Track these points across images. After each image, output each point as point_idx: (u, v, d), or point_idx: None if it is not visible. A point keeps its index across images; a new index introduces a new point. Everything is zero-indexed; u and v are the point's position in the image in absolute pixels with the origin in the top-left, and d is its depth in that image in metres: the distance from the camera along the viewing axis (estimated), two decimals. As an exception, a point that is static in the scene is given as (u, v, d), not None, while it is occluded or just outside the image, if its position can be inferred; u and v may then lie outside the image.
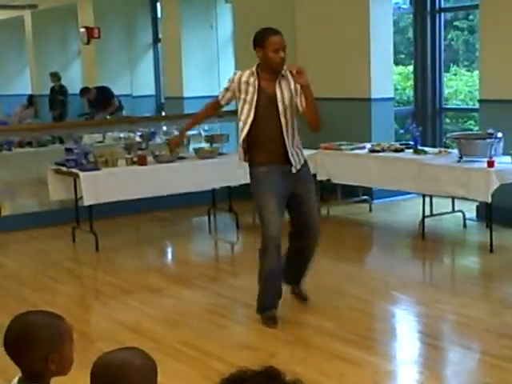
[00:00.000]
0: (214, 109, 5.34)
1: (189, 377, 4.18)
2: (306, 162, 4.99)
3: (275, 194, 4.78)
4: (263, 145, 4.83)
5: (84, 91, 12.81)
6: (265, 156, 4.83)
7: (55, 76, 14.96)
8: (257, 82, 4.81)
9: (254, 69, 4.86)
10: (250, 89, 4.81)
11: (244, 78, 4.85)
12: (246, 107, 4.84)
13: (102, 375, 1.97)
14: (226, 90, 5.00)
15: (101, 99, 12.43)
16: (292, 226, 5.06)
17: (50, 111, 14.84)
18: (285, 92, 4.80)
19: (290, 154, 4.82)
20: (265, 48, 4.72)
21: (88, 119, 12.37)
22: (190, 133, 9.67)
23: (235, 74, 4.97)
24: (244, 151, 4.90)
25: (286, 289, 5.17)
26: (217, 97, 5.12)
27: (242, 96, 4.86)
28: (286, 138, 4.80)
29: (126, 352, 2.03)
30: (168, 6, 12.68)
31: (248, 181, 5.00)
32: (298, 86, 4.77)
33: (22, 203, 8.96)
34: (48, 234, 7.85)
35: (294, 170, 4.85)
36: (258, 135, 4.83)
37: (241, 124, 4.91)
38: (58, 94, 14.76)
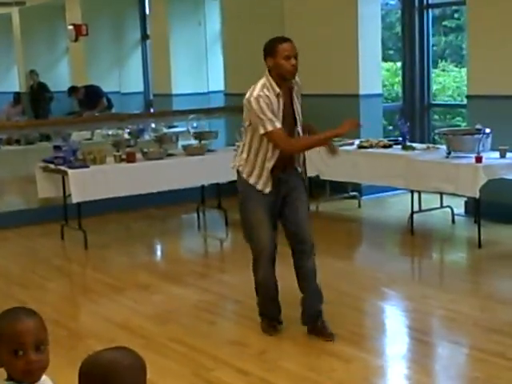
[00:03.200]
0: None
1: (178, 373, 4.18)
2: (303, 171, 4.83)
3: (265, 210, 4.61)
4: (279, 160, 4.57)
5: (72, 90, 12.74)
6: (271, 169, 4.60)
7: (33, 74, 14.93)
8: (281, 100, 4.50)
9: (274, 88, 4.48)
10: (275, 106, 4.47)
11: (269, 96, 4.45)
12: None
13: (91, 375, 1.96)
14: (272, 115, 4.43)
15: (89, 98, 12.35)
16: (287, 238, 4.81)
17: (33, 111, 14.78)
18: (298, 104, 4.64)
19: (298, 167, 4.71)
20: (276, 56, 4.45)
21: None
22: (178, 130, 9.72)
23: (260, 96, 4.43)
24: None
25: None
26: (275, 131, 4.43)
27: None
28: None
29: (115, 351, 2.02)
30: (156, 3, 12.66)
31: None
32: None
33: (10, 201, 8.93)
34: (36, 232, 7.82)
35: (299, 170, 4.74)
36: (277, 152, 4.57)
37: (259, 147, 4.54)
38: (40, 93, 14.70)
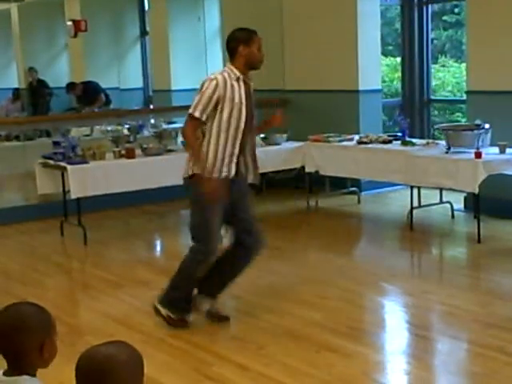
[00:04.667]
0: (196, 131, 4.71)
1: (178, 369, 4.18)
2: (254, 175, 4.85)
3: (221, 207, 4.64)
4: (240, 151, 4.67)
5: (70, 87, 12.71)
6: (235, 164, 4.68)
7: (32, 71, 14.92)
8: (243, 88, 4.60)
9: (235, 72, 4.60)
10: (236, 95, 4.56)
11: (229, 83, 4.56)
12: (235, 115, 4.57)
13: (88, 370, 1.96)
14: (207, 103, 4.52)
15: (88, 94, 12.33)
16: (235, 235, 4.85)
17: (33, 108, 14.74)
18: (252, 98, 4.72)
19: (244, 163, 4.75)
20: (251, 46, 4.63)
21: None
22: (177, 125, 9.70)
23: (214, 79, 4.54)
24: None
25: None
26: (193, 118, 4.55)
27: (227, 103, 4.55)
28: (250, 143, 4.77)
29: (112, 346, 2.02)
30: (155, -1, 12.65)
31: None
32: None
33: (10, 197, 8.91)
34: (36, 228, 7.82)
35: (250, 180, 4.79)
36: (239, 142, 4.65)
37: (222, 133, 4.58)
38: (39, 89, 14.68)
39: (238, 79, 4.60)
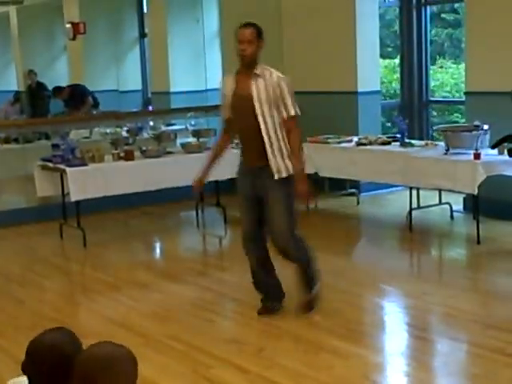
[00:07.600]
0: (228, 130, 5.01)
1: (177, 371, 4.18)
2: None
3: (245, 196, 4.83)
4: (243, 144, 4.89)
5: (56, 91, 12.62)
6: (244, 156, 4.86)
7: (32, 73, 14.90)
8: (234, 82, 4.76)
9: (237, 69, 4.83)
10: (230, 88, 4.79)
11: (229, 81, 4.82)
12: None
13: (88, 369, 1.97)
14: (222, 103, 4.89)
15: (75, 98, 12.25)
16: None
17: (32, 110, 14.69)
18: (261, 91, 4.65)
19: (269, 157, 4.66)
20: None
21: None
22: (176, 127, 9.71)
23: (222, 79, 5.01)
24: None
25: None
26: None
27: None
28: (265, 139, 4.65)
29: (107, 345, 2.04)
30: (154, 1, 12.64)
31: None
32: (280, 92, 4.66)
33: (9, 200, 8.92)
34: (35, 231, 7.82)
35: (276, 177, 4.66)
36: (239, 136, 4.95)
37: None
38: (39, 92, 14.66)
39: (233, 74, 4.82)
